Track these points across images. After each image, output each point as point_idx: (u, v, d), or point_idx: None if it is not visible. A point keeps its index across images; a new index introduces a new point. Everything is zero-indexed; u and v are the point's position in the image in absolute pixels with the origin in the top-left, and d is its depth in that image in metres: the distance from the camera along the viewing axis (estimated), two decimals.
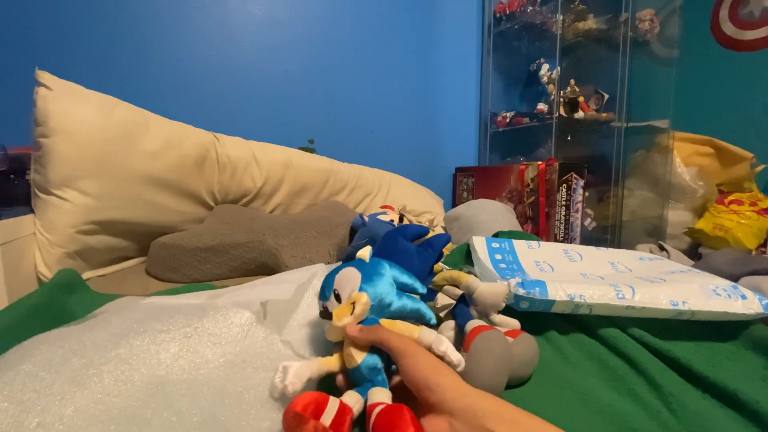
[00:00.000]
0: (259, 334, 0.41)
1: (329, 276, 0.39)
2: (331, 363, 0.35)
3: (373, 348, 0.34)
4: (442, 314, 0.46)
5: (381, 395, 0.31)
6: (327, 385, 0.35)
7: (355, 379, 0.34)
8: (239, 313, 0.42)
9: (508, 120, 1.76)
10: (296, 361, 0.34)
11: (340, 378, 0.35)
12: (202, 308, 0.43)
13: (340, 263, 0.42)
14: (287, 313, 0.47)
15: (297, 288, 0.51)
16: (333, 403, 0.29)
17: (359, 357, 0.34)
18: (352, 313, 0.35)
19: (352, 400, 0.31)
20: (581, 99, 1.68)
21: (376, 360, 0.34)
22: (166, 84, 1.27)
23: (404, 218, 1.10)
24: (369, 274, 0.37)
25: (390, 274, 0.38)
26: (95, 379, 0.32)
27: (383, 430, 0.27)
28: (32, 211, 0.78)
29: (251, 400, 0.33)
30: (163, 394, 0.32)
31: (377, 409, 0.29)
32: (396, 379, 0.34)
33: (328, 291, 0.38)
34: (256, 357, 0.38)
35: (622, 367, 0.43)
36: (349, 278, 0.37)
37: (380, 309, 0.37)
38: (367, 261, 0.39)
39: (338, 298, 0.36)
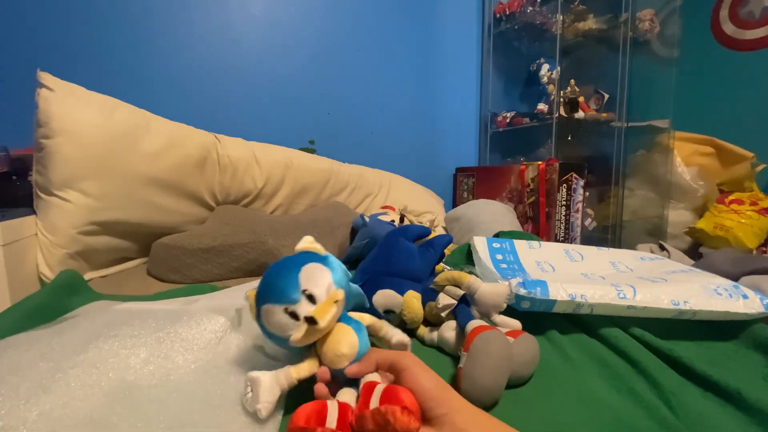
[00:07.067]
0: (233, 341, 0.40)
1: (284, 275, 0.34)
2: (303, 370, 0.33)
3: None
4: (443, 314, 0.46)
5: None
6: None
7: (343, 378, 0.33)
8: (213, 319, 0.41)
9: (508, 120, 1.76)
10: (264, 372, 0.32)
11: (320, 386, 0.32)
12: (176, 314, 0.42)
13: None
14: None
15: None
16: (332, 406, 0.29)
17: (352, 351, 0.33)
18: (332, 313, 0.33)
19: (350, 397, 0.31)
20: (581, 99, 1.68)
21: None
22: (167, 85, 1.27)
23: (405, 218, 1.10)
24: (332, 266, 0.36)
25: (337, 261, 0.37)
26: (62, 383, 0.31)
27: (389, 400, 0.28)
28: (34, 212, 0.78)
29: (220, 403, 0.32)
30: (131, 399, 0.31)
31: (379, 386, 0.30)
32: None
33: (293, 292, 0.33)
34: (229, 363, 0.37)
35: (622, 367, 0.43)
36: (315, 275, 0.34)
37: (348, 298, 0.36)
38: (318, 252, 0.37)
39: (311, 299, 0.33)
